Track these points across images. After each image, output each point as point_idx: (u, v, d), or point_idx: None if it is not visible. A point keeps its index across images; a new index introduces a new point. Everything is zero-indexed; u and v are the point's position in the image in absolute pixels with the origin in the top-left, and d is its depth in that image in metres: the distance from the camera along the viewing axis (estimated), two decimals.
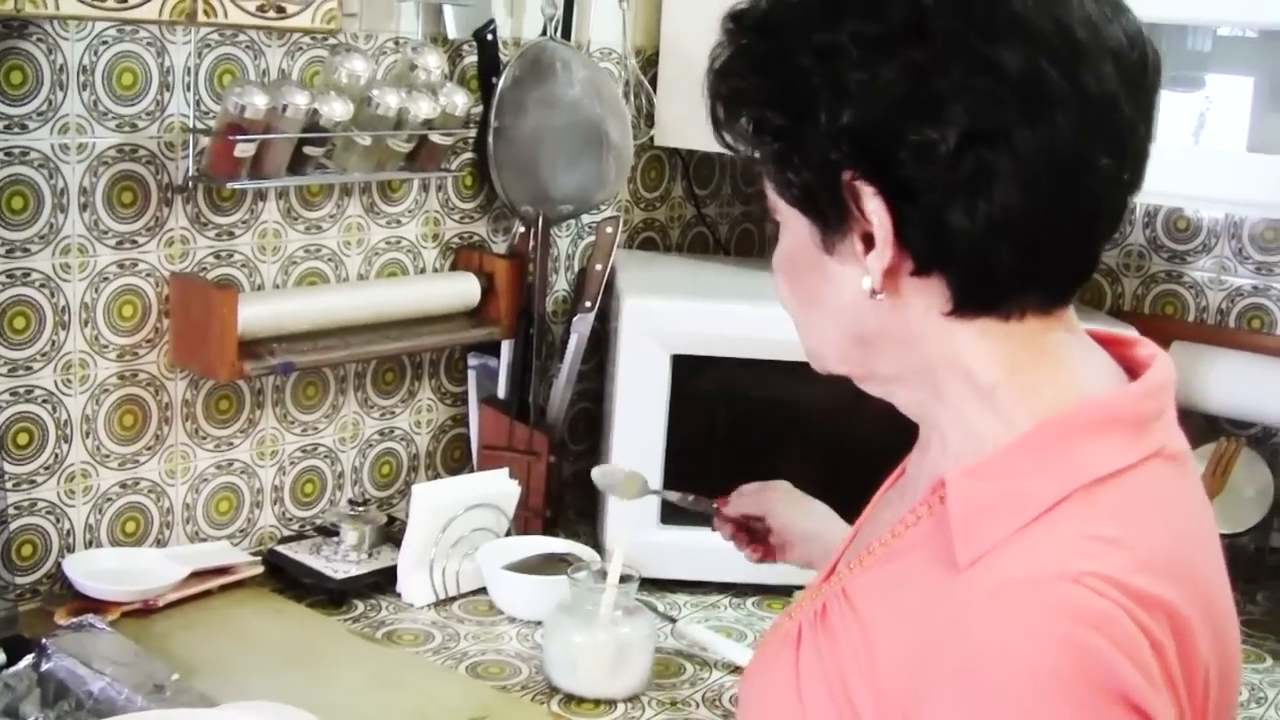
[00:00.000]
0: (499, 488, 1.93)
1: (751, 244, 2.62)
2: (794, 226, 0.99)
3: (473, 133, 1.99)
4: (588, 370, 2.18)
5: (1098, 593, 0.84)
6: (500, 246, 2.14)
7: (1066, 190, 0.92)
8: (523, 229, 2.10)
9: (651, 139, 2.29)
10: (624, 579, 1.66)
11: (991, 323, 0.96)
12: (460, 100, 1.90)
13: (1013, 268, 0.94)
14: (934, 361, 0.98)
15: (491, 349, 2.12)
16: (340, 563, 1.85)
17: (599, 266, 2.08)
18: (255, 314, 1.75)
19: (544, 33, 2.06)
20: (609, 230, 2.09)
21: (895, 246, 0.92)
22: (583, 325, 2.09)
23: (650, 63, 2.28)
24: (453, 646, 1.73)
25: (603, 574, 1.68)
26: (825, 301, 1.00)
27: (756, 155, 1.00)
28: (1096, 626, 0.83)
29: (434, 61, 1.88)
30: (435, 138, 1.90)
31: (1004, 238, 0.92)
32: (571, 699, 1.62)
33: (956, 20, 0.90)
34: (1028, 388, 0.96)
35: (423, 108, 1.85)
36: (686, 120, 2.25)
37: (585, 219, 2.23)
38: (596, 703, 1.62)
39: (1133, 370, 1.00)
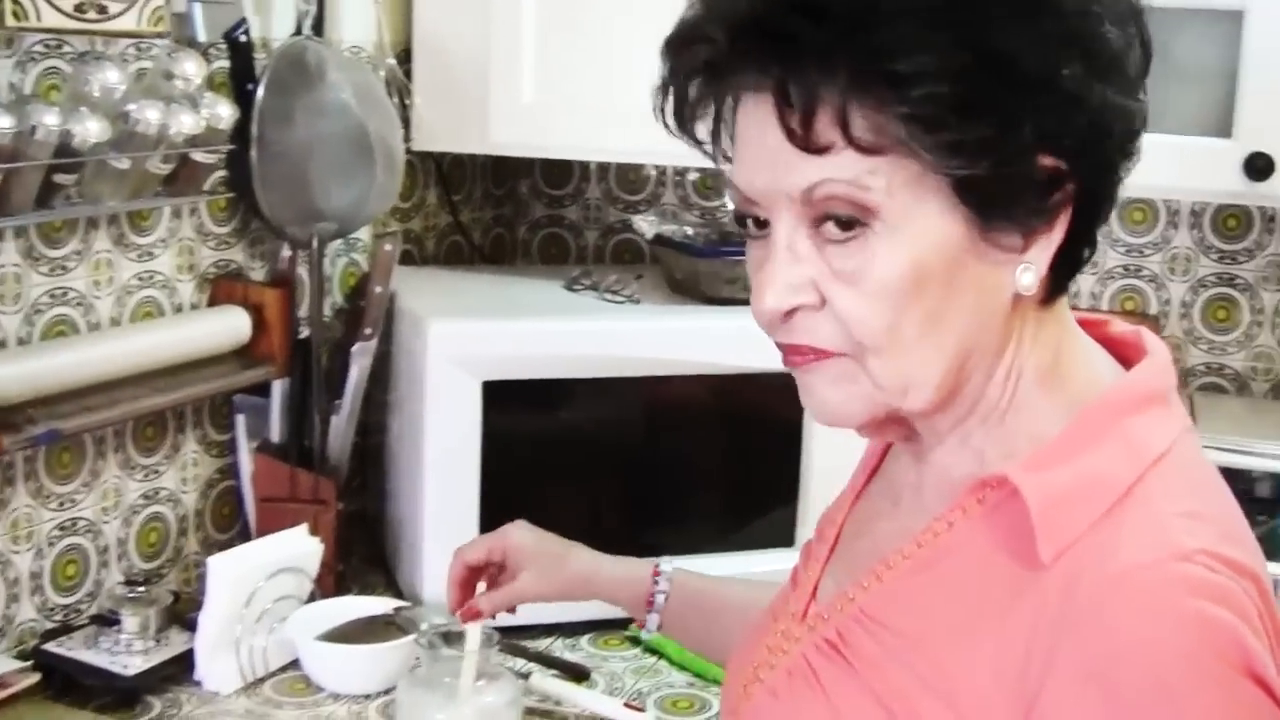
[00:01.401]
0: (300, 548, 1.71)
1: (504, 249, 2.46)
2: (927, 229, 0.83)
3: (232, 147, 1.74)
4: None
5: (1209, 568, 0.82)
6: (259, 273, 1.90)
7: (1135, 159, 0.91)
8: (288, 252, 1.87)
9: (408, 146, 2.09)
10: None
11: (1046, 306, 0.91)
12: (224, 112, 1.66)
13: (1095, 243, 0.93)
14: (993, 360, 0.90)
15: (259, 388, 1.88)
16: (126, 655, 1.59)
17: (379, 289, 1.88)
18: (8, 376, 1.48)
19: (297, 31, 1.84)
20: (387, 248, 1.89)
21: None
22: (364, 355, 1.88)
23: (400, 61, 2.08)
24: None
25: (448, 636, 1.49)
26: (957, 316, 0.86)
27: (912, 143, 0.82)
28: (1223, 601, 0.81)
29: (192, 68, 1.63)
30: (198, 156, 1.65)
31: (1108, 214, 0.91)
32: None
33: None
34: (1065, 370, 0.92)
35: (184, 122, 1.60)
36: (443, 122, 2.07)
37: (344, 238, 2.01)
38: None
39: (1112, 347, 0.97)
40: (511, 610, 1.39)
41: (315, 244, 1.83)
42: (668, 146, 2.01)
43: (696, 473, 1.87)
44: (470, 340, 1.74)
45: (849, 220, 0.84)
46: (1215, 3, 1.66)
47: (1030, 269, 0.85)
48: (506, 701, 1.47)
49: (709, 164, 0.96)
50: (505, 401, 1.75)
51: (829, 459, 1.85)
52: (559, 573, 1.38)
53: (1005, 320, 0.88)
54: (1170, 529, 0.84)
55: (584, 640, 1.80)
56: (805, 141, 0.82)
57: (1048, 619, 0.83)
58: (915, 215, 0.83)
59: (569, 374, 1.77)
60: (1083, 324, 0.96)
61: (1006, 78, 0.81)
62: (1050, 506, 0.86)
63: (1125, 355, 0.96)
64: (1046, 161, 0.83)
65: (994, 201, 0.83)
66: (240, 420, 1.89)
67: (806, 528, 1.88)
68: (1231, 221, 2.07)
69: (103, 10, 1.39)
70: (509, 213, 2.46)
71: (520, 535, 1.38)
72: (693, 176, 2.36)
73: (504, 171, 2.42)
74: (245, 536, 1.91)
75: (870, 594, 0.96)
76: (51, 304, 1.62)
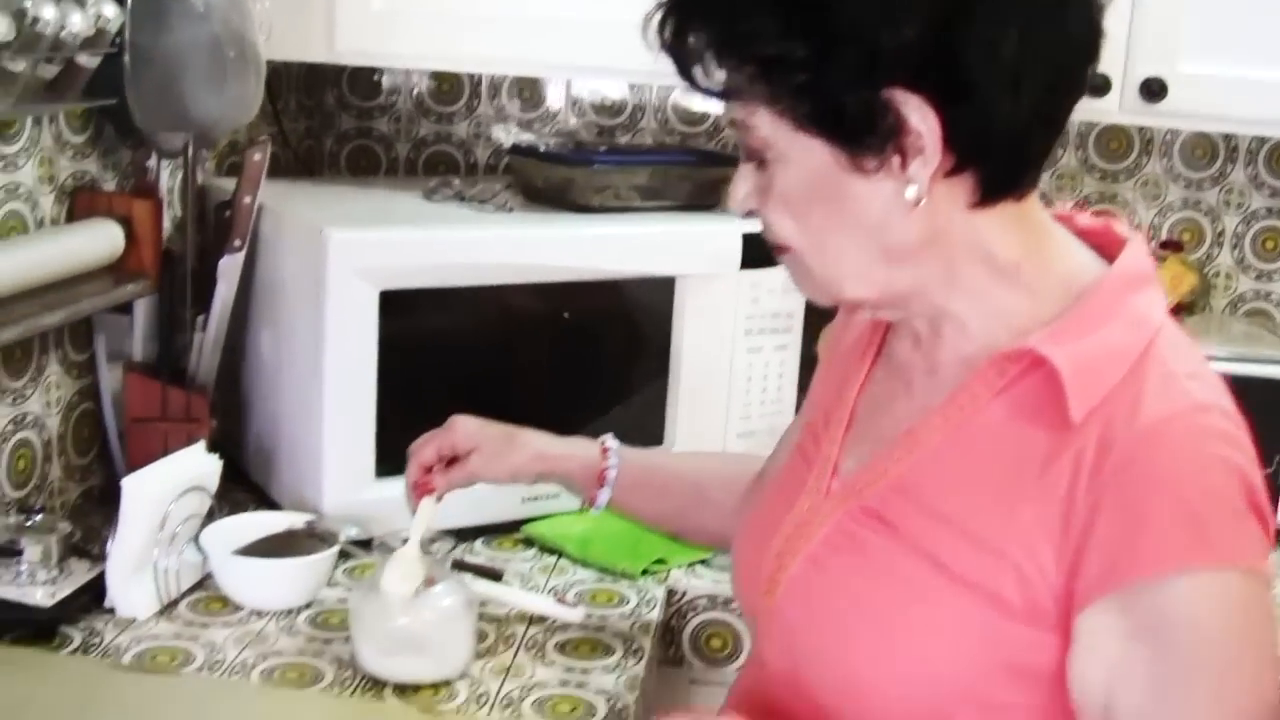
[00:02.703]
0: (203, 466, 1.65)
1: (315, 161, 2.40)
2: (804, 157, 1.00)
3: (115, 50, 1.64)
4: None
5: (1222, 418, 0.97)
6: (110, 184, 1.81)
7: (1081, 62, 1.00)
8: (153, 162, 1.79)
9: None
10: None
11: (1008, 205, 1.02)
12: (110, 12, 1.57)
13: (1040, 148, 1.03)
14: (955, 255, 1.03)
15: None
16: (34, 586, 1.51)
17: (248, 199, 1.82)
18: None
19: None
20: (257, 158, 1.82)
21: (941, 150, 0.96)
22: (232, 269, 1.82)
23: None
24: (222, 659, 1.47)
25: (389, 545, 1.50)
26: (850, 224, 1.01)
27: (760, 92, 0.98)
28: (1237, 446, 0.97)
29: None
30: (82, 60, 1.56)
31: (1039, 121, 0.99)
32: (405, 689, 1.44)
33: None
34: (1044, 260, 1.04)
35: (75, 22, 1.51)
36: (289, 29, 1.99)
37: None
38: (435, 688, 1.45)
39: (1084, 237, 1.09)
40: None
41: (189, 153, 1.75)
42: (519, 54, 2.02)
43: (584, 376, 1.90)
44: (370, 250, 1.71)
45: (758, 150, 1.01)
46: None
47: (913, 186, 0.98)
48: (464, 602, 1.49)
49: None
50: (400, 310, 1.74)
51: (697, 361, 1.93)
52: (509, 454, 1.45)
53: (923, 224, 1.00)
54: (1184, 386, 0.98)
55: (478, 544, 1.82)
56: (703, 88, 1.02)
57: (1087, 470, 0.96)
58: (793, 146, 0.99)
59: (464, 282, 1.77)
60: (1056, 218, 1.09)
61: (815, 37, 0.95)
62: (1078, 373, 0.98)
63: (1098, 243, 1.09)
64: (888, 92, 0.94)
65: (837, 130, 0.97)
66: (100, 340, 1.80)
67: (676, 427, 1.95)
68: (1114, 144, 2.26)
69: None
70: (317, 124, 2.40)
71: (464, 425, 1.46)
72: (509, 86, 2.35)
73: (314, 81, 2.36)
74: (105, 459, 1.84)
75: (904, 465, 1.06)
76: None
